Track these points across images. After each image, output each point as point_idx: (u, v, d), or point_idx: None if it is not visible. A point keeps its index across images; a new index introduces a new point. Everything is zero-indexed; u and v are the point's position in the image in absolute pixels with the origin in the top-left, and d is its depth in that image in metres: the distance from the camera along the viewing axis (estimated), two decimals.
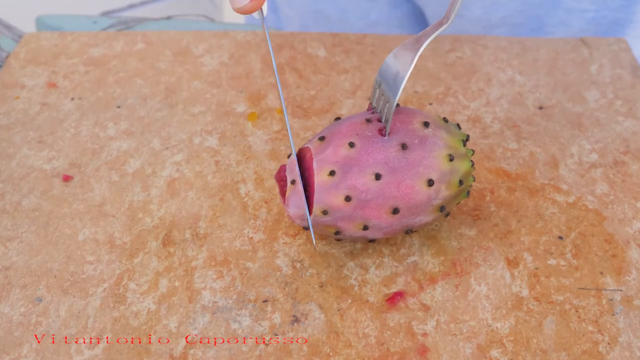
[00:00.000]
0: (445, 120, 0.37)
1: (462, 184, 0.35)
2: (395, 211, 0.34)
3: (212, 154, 0.45)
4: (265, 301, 0.36)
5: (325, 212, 0.34)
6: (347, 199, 0.34)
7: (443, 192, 0.35)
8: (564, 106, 0.49)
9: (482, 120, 0.48)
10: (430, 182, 0.34)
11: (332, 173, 0.34)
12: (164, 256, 0.39)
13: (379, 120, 0.35)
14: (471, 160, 0.36)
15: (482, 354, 0.34)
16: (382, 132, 0.35)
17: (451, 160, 0.35)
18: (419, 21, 0.67)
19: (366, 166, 0.34)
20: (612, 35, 0.60)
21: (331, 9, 0.67)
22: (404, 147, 0.34)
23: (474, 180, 0.37)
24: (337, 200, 0.34)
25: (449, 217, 0.41)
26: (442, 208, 0.35)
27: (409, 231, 0.36)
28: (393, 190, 0.34)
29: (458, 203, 0.37)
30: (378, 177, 0.33)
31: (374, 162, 0.34)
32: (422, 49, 0.34)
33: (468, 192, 0.37)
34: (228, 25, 0.63)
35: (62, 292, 0.37)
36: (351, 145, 0.34)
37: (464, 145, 0.36)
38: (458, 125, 0.37)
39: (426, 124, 0.35)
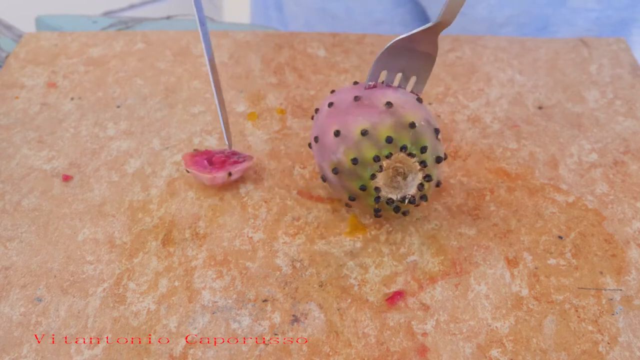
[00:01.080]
0: (413, 125, 0.36)
1: (355, 163, 0.36)
2: (336, 133, 0.37)
3: None
4: (265, 301, 0.36)
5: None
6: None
7: (340, 153, 0.37)
8: (563, 106, 0.49)
9: (482, 120, 0.48)
10: (337, 133, 0.37)
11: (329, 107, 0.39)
12: (164, 256, 0.39)
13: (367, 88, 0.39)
14: (381, 167, 0.36)
15: (482, 353, 0.34)
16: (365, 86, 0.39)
17: (363, 134, 0.36)
18: (422, 19, 0.68)
19: (343, 95, 0.39)
20: (618, 34, 0.59)
21: (336, 7, 0.67)
22: (356, 98, 0.38)
23: (377, 192, 0.36)
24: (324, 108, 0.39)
25: (449, 217, 0.41)
26: (335, 170, 0.37)
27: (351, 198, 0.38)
28: (335, 115, 0.38)
29: (362, 189, 0.37)
30: (330, 105, 0.39)
31: (344, 95, 0.39)
32: (394, 40, 0.38)
33: (364, 186, 0.37)
34: (228, 25, 0.63)
35: (62, 292, 0.37)
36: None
37: (389, 142, 0.36)
38: (437, 134, 0.37)
39: (389, 104, 0.37)
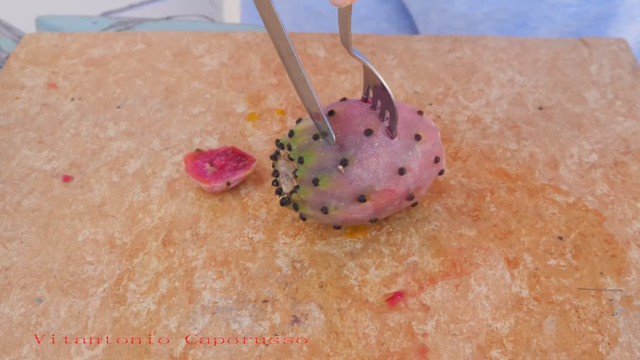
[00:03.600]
0: (291, 134, 0.37)
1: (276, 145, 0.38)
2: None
3: None
4: (265, 301, 0.36)
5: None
6: None
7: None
8: (563, 106, 0.49)
9: (482, 120, 0.48)
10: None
11: None
12: (164, 256, 0.39)
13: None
14: (278, 152, 0.38)
15: (482, 354, 0.34)
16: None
17: (296, 123, 0.39)
18: (406, 16, 0.68)
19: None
20: (596, 29, 0.60)
21: (321, 4, 0.68)
22: (331, 113, 0.37)
23: (275, 175, 0.38)
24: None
25: (449, 217, 0.41)
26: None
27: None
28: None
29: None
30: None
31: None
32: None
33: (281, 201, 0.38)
34: (228, 26, 0.63)
35: (62, 292, 0.37)
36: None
37: (289, 136, 0.37)
38: (343, 164, 0.35)
39: (331, 112, 0.37)
